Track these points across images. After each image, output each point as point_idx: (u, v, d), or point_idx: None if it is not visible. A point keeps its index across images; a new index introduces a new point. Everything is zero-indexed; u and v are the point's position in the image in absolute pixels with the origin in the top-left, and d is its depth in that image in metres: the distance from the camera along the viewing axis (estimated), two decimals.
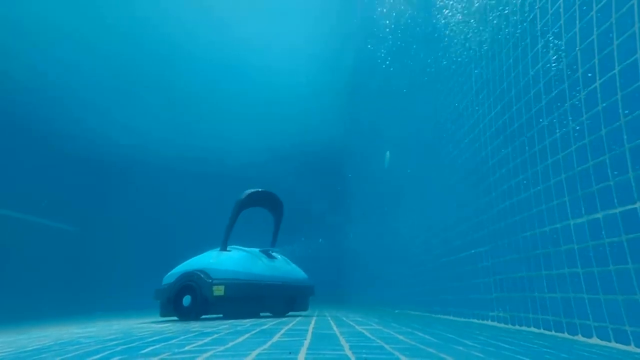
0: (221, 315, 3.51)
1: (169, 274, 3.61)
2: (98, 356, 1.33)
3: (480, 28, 3.08)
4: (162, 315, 3.48)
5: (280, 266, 3.87)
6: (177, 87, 13.96)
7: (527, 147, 2.32)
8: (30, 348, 1.73)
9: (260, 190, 4.06)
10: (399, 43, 6.14)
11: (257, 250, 3.88)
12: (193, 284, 3.28)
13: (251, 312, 3.55)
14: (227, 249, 3.68)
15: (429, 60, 4.51)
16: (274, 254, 4.01)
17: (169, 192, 13.27)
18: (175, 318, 3.42)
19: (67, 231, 9.93)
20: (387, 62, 6.78)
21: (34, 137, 9.49)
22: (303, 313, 4.15)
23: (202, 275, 3.27)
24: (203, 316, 3.41)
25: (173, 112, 13.89)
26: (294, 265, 4.15)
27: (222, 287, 3.20)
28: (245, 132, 14.41)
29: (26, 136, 9.33)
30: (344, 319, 3.05)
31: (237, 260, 3.50)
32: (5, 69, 9.19)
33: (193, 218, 13.33)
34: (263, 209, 4.29)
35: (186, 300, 3.28)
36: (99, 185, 11.48)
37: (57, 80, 10.61)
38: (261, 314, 3.73)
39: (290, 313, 4.00)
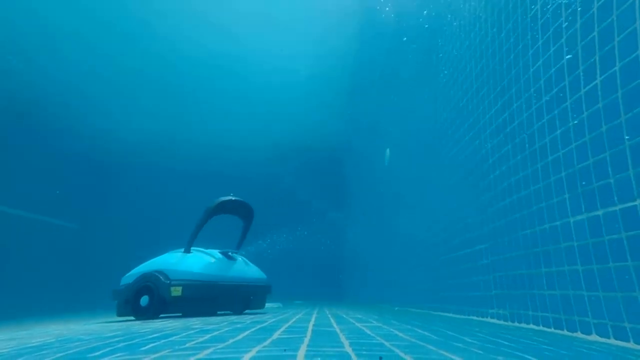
0: (180, 314, 3.64)
1: (127, 274, 3.74)
2: (99, 352, 1.34)
3: (482, 25, 3.07)
4: (119, 315, 3.60)
5: (239, 267, 4.07)
6: (179, 86, 13.94)
7: (527, 145, 2.31)
8: (32, 344, 1.74)
9: (231, 198, 4.27)
10: (399, 40, 6.12)
11: (217, 252, 4.06)
12: (151, 284, 3.44)
13: (209, 310, 3.72)
14: (190, 251, 3.87)
15: (429, 57, 4.50)
16: (234, 255, 4.20)
17: (168, 190, 13.28)
18: (132, 318, 3.53)
19: (68, 228, 9.95)
20: (389, 56, 6.76)
21: (34, 133, 9.49)
22: (302, 311, 4.16)
23: (161, 277, 3.44)
24: (161, 315, 3.54)
25: (174, 111, 13.87)
26: (253, 266, 4.36)
27: (179, 288, 3.37)
28: (246, 131, 14.40)
29: (26, 133, 9.32)
30: (344, 316, 3.06)
31: (196, 262, 3.69)
32: (6, 68, 9.18)
33: (192, 216, 13.33)
34: (233, 216, 4.54)
35: (144, 300, 3.42)
36: (99, 182, 11.48)
37: (59, 78, 10.60)
38: (218, 312, 3.90)
39: (248, 311, 4.21)
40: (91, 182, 11.17)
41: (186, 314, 3.57)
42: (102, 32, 11.75)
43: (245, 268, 4.14)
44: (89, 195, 10.92)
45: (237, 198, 4.29)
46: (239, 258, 4.24)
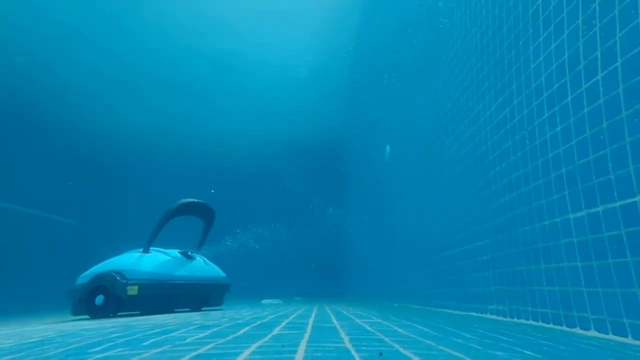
0: (139, 312, 3.73)
1: (83, 274, 3.82)
2: (100, 347, 1.34)
3: (483, 20, 3.05)
4: (74, 314, 3.68)
5: (197, 266, 4.21)
6: (177, 82, 13.89)
7: (527, 141, 2.31)
8: (33, 340, 1.75)
9: (193, 201, 4.46)
10: (399, 34, 6.09)
11: (177, 252, 4.19)
12: (106, 284, 3.54)
13: (167, 308, 3.84)
14: (149, 251, 3.98)
15: (430, 53, 4.48)
16: (193, 255, 4.34)
17: (167, 187, 13.28)
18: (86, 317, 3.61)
19: (68, 224, 9.96)
20: (389, 51, 6.73)
21: (36, 130, 9.48)
22: (302, 307, 4.18)
23: (117, 277, 3.55)
24: (119, 313, 3.62)
25: (173, 106, 13.83)
26: (212, 265, 4.51)
27: (136, 287, 3.50)
28: (246, 126, 14.37)
29: (27, 129, 9.31)
30: (344, 312, 3.08)
31: (153, 261, 3.81)
32: (7, 64, 9.15)
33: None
34: (195, 218, 4.71)
35: (99, 299, 3.51)
36: (99, 178, 11.47)
37: (60, 74, 10.57)
38: (175, 310, 4.02)
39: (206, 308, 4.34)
40: (91, 179, 11.16)
41: (144, 312, 3.67)
42: (100, 27, 11.70)
43: (203, 267, 4.30)
44: (90, 192, 10.92)
45: (198, 200, 4.49)
46: (198, 257, 4.39)
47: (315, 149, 14.24)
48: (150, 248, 4.03)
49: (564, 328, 1.89)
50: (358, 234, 9.74)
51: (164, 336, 1.62)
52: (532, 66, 2.28)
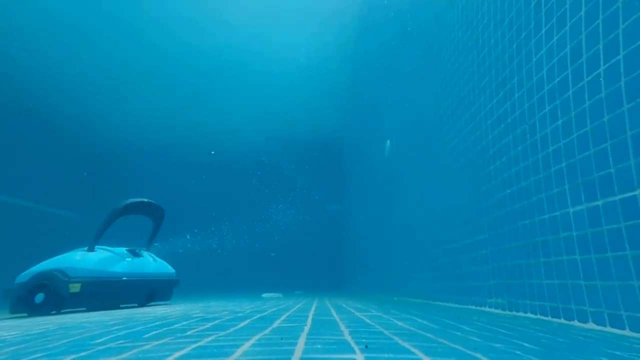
0: (84, 309, 3.81)
1: (23, 273, 3.88)
2: (102, 339, 1.36)
3: (484, 13, 3.02)
4: (12, 312, 3.74)
5: (144, 263, 4.32)
6: (178, 77, 13.81)
7: (528, 135, 2.30)
8: (35, 332, 1.76)
9: (140, 200, 4.56)
10: (400, 28, 6.04)
11: (123, 250, 4.30)
12: (47, 282, 3.60)
13: (112, 304, 3.93)
14: (94, 249, 4.06)
15: (431, 46, 4.44)
16: (141, 252, 4.45)
17: (166, 182, 13.29)
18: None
19: (67, 217, 9.98)
20: (390, 46, 6.68)
21: (35, 124, 9.45)
22: (302, 301, 4.21)
23: (59, 275, 3.62)
24: (62, 310, 3.69)
25: (172, 101, 13.77)
26: (160, 262, 4.63)
27: (78, 285, 3.57)
28: (245, 121, 14.32)
29: (27, 123, 9.29)
30: (344, 305, 3.10)
31: (97, 259, 3.89)
32: (4, 55, 9.09)
33: (190, 209, 13.39)
34: (144, 217, 4.82)
35: (39, 297, 3.57)
36: (98, 171, 11.47)
37: (58, 67, 10.51)
38: (121, 305, 4.12)
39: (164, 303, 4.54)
40: (90, 172, 11.16)
41: (89, 309, 3.75)
42: (100, 20, 11.60)
43: (150, 264, 4.41)
44: (87, 184, 10.92)
45: (146, 200, 4.60)
46: (146, 255, 4.51)
47: (316, 144, 14.22)
48: (96, 246, 4.10)
49: (562, 321, 1.90)
50: (358, 228, 9.77)
51: (165, 328, 1.64)
52: (534, 59, 2.26)
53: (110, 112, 12.05)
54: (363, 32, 10.16)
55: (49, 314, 3.48)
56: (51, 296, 3.54)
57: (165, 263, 4.70)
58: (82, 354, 1.07)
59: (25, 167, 8.89)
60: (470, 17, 3.31)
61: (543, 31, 2.17)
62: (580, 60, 1.84)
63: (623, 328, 1.52)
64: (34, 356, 1.07)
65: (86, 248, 4.05)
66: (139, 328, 1.69)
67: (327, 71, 13.72)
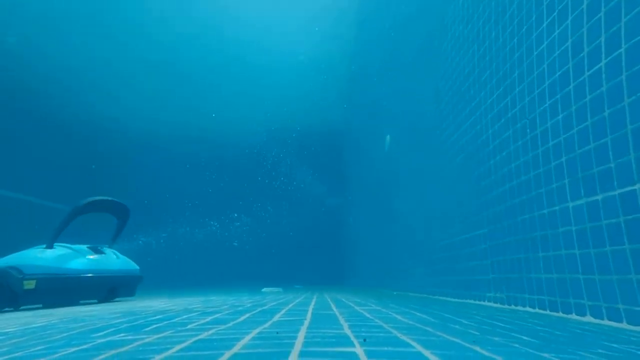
0: (40, 306, 3.81)
1: None
2: (103, 332, 1.36)
3: (485, 6, 2.99)
4: None
5: (105, 260, 4.34)
6: (176, 69, 13.73)
7: (528, 130, 2.30)
8: (36, 325, 1.77)
9: (103, 199, 4.56)
10: (400, 21, 5.99)
11: (84, 247, 4.31)
12: (0, 279, 3.58)
13: (70, 300, 3.94)
14: (53, 247, 4.06)
15: (431, 40, 4.41)
16: (104, 249, 4.48)
17: (166, 173, 13.28)
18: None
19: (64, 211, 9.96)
20: (389, 40, 6.64)
21: (34, 116, 9.41)
22: (302, 295, 4.23)
23: (13, 272, 3.60)
24: (19, 308, 3.68)
25: (171, 93, 13.71)
26: (123, 258, 4.65)
27: (33, 282, 3.57)
28: (245, 114, 14.27)
29: (27, 115, 9.25)
30: (344, 300, 3.11)
31: (54, 256, 3.89)
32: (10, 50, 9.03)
33: (189, 203, 13.40)
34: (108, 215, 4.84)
35: None
36: (97, 164, 11.44)
37: (54, 57, 10.43)
38: (81, 302, 4.13)
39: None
40: (88, 166, 11.14)
41: (46, 305, 3.76)
42: (97, 12, 11.50)
43: (112, 261, 4.43)
44: (86, 178, 10.90)
45: (109, 199, 4.61)
46: (109, 252, 4.54)
47: (315, 138, 14.18)
48: (56, 244, 4.10)
49: (560, 314, 1.92)
50: (358, 223, 9.79)
51: (166, 322, 1.65)
52: (535, 53, 2.25)
53: (110, 106, 11.99)
54: (363, 25, 10.08)
55: (1, 311, 3.47)
56: (5, 293, 3.54)
57: (129, 260, 4.73)
58: (84, 346, 1.08)
59: (22, 161, 8.88)
60: (471, 10, 3.28)
61: (544, 24, 2.16)
62: (581, 54, 1.83)
63: (620, 321, 1.54)
64: (35, 349, 1.08)
65: (44, 245, 4.05)
66: (140, 321, 1.70)
67: (327, 65, 13.63)
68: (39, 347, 1.10)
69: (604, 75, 1.68)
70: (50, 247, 4.02)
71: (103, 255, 4.37)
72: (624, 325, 1.51)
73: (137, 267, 4.77)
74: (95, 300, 4.25)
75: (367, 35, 9.38)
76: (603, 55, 1.69)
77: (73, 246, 4.21)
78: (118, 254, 4.66)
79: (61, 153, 10.09)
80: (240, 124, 14.22)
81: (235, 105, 14.28)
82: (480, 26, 3.08)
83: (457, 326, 1.46)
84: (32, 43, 9.77)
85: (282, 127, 14.40)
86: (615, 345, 1.10)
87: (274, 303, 2.74)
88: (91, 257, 4.19)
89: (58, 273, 3.78)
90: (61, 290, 3.79)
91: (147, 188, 12.50)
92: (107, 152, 11.93)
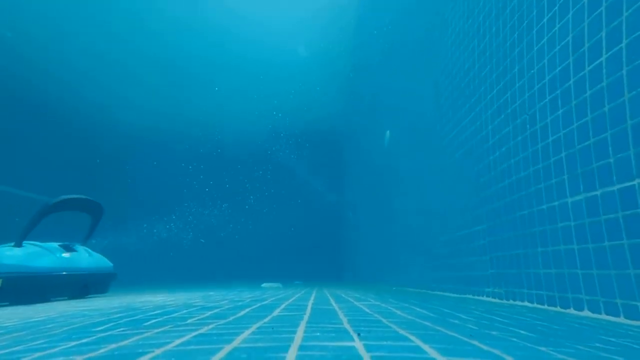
0: (7, 303, 3.79)
1: None
2: (103, 327, 1.37)
3: (486, 1, 2.97)
4: None
5: (77, 258, 4.34)
6: (174, 63, 13.65)
7: (528, 125, 2.29)
8: (36, 319, 1.78)
9: (75, 197, 4.54)
10: (401, 18, 5.96)
11: (55, 244, 4.29)
12: None
13: (40, 298, 3.90)
14: (22, 245, 4.03)
15: (431, 36, 4.39)
16: (76, 247, 4.48)
17: (165, 169, 13.26)
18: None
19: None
20: (389, 36, 6.60)
21: (32, 111, 9.38)
22: (301, 291, 4.25)
23: None
24: None
25: (169, 89, 13.65)
26: (96, 256, 4.68)
27: None
28: (244, 109, 14.22)
29: (25, 111, 9.21)
30: (343, 295, 3.13)
31: (22, 255, 3.87)
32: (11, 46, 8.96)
33: (189, 199, 13.40)
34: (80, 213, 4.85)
35: None
36: (95, 161, 11.41)
37: (52, 50, 10.36)
38: (52, 299, 4.10)
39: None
40: (87, 162, 11.11)
41: (13, 303, 3.75)
42: (97, 6, 11.41)
43: (84, 258, 4.44)
44: (84, 174, 10.88)
45: (81, 197, 4.59)
46: (81, 249, 4.55)
47: (315, 134, 14.16)
48: (25, 242, 4.07)
49: (558, 309, 1.93)
50: (357, 219, 9.81)
51: (165, 317, 1.65)
52: (535, 48, 2.24)
53: (110, 100, 11.93)
54: (362, 21, 10.02)
55: None
56: None
57: (102, 257, 4.74)
58: (84, 340, 1.08)
59: (22, 158, 8.86)
60: (471, 5, 3.26)
61: (545, 19, 2.15)
62: (582, 49, 1.82)
63: (618, 315, 1.55)
64: (35, 342, 1.08)
65: (12, 244, 4.02)
66: (139, 316, 1.71)
67: (326, 61, 13.57)
68: (39, 341, 1.11)
69: (604, 70, 1.67)
70: (18, 245, 3.99)
71: (75, 253, 4.37)
72: (621, 319, 1.52)
73: (111, 265, 4.80)
74: (66, 298, 4.23)
75: (366, 31, 9.33)
76: (604, 50, 1.68)
77: (43, 244, 4.19)
78: (91, 251, 4.67)
79: (59, 148, 10.06)
80: (239, 120, 14.18)
81: (234, 101, 14.23)
82: (480, 21, 3.06)
83: (455, 321, 1.46)
84: (31, 38, 9.70)
85: (282, 124, 14.37)
86: (612, 339, 1.11)
87: (274, 298, 2.76)
88: (62, 254, 4.19)
89: (26, 271, 3.77)
90: (30, 287, 3.77)
91: (147, 183, 12.50)
92: (107, 147, 11.90)
